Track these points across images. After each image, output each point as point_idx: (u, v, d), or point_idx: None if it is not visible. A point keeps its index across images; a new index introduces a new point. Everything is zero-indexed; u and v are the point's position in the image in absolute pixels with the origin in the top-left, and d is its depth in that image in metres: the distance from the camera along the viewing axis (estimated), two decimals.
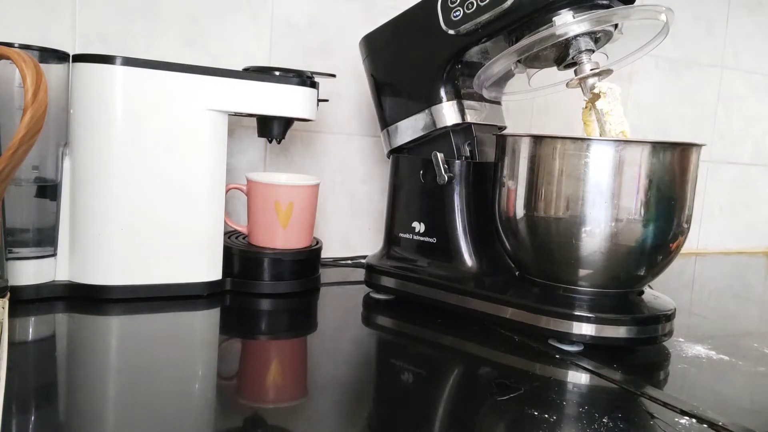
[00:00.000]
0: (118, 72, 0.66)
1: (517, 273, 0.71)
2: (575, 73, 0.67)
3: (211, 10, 0.88)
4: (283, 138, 0.81)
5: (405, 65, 0.77)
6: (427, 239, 0.74)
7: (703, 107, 1.36)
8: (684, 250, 0.68)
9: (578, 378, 0.57)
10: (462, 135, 0.75)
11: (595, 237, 0.62)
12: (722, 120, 1.39)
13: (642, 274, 0.65)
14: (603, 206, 0.61)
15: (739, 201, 1.42)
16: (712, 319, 0.83)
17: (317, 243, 0.82)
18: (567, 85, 0.69)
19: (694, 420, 0.48)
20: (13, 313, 0.58)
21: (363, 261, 0.84)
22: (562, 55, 0.67)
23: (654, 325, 0.63)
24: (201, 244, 0.72)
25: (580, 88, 0.68)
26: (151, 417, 0.44)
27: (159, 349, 0.58)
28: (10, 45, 0.57)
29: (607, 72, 0.66)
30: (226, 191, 0.75)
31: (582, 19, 0.63)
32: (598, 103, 0.66)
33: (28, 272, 0.65)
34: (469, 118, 0.74)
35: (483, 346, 0.64)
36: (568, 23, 0.63)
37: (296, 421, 0.47)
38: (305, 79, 0.76)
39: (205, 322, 0.70)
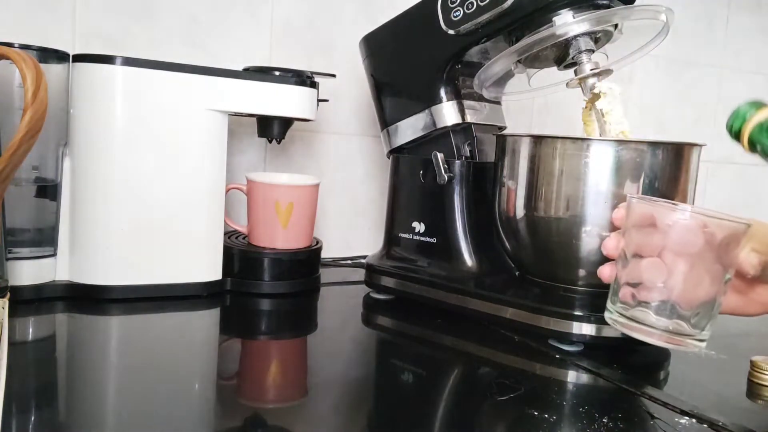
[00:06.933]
0: (118, 72, 0.66)
1: (517, 273, 0.71)
2: (575, 73, 0.67)
3: (211, 10, 0.88)
4: (283, 138, 0.81)
5: (405, 65, 0.77)
6: (427, 239, 0.74)
7: (703, 107, 1.36)
8: None
9: (578, 378, 0.57)
10: (462, 135, 0.75)
11: (595, 237, 0.62)
12: (722, 120, 1.39)
13: None
14: (603, 206, 0.61)
15: (739, 201, 1.42)
16: None
17: (317, 243, 0.82)
18: (567, 85, 0.69)
19: (694, 420, 0.48)
20: (13, 313, 0.58)
21: (363, 261, 0.84)
22: (562, 55, 0.67)
23: None
24: (201, 244, 0.72)
25: (580, 88, 0.68)
26: (151, 417, 0.44)
27: (159, 349, 0.58)
28: (10, 45, 0.57)
29: (607, 72, 0.66)
30: (226, 191, 0.75)
31: (582, 19, 0.63)
32: (598, 103, 0.66)
33: (28, 272, 0.65)
34: (469, 118, 0.74)
35: (483, 346, 0.64)
36: (568, 23, 0.63)
37: (296, 421, 0.47)
38: (305, 79, 0.76)
39: (205, 322, 0.70)
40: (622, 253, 0.50)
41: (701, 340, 0.48)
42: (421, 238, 0.75)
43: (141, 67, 0.67)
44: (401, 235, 0.77)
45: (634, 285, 0.49)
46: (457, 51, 0.72)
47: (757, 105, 0.47)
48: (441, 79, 0.74)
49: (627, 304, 0.49)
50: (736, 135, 0.48)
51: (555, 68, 0.70)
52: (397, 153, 0.79)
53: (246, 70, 0.78)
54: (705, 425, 0.47)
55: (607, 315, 0.52)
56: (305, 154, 0.97)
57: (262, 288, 0.76)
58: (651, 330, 0.48)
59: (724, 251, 0.45)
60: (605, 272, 0.53)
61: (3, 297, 0.59)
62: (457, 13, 0.69)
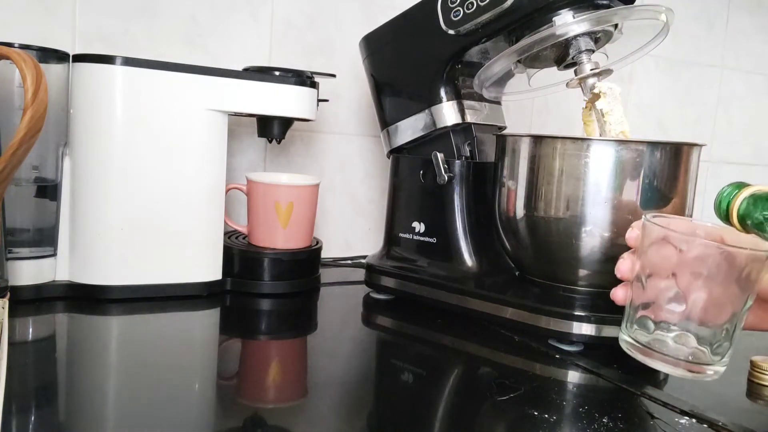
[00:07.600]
0: (118, 72, 0.66)
1: (517, 273, 0.71)
2: (575, 73, 0.67)
3: (211, 10, 0.88)
4: (283, 138, 0.81)
5: (405, 65, 0.77)
6: (427, 239, 0.74)
7: (703, 107, 1.36)
8: None
9: (578, 378, 0.57)
10: (462, 135, 0.75)
11: (595, 237, 0.62)
12: (722, 120, 1.39)
13: None
14: (603, 206, 0.61)
15: None
16: None
17: (317, 243, 0.82)
18: (567, 85, 0.69)
19: (694, 420, 0.48)
20: (13, 313, 0.58)
21: (363, 261, 0.84)
22: (562, 55, 0.67)
23: None
24: (201, 244, 0.72)
25: (580, 88, 0.68)
26: (151, 417, 0.44)
27: (159, 349, 0.58)
28: (10, 45, 0.57)
29: (607, 72, 0.66)
30: (226, 191, 0.75)
31: (582, 19, 0.63)
32: (598, 103, 0.66)
33: (28, 272, 0.65)
34: (469, 118, 0.74)
35: (483, 346, 0.64)
36: (568, 23, 0.63)
37: (296, 421, 0.47)
38: (305, 79, 0.76)
39: (205, 322, 0.70)
40: (637, 276, 0.48)
41: (721, 367, 0.47)
42: (421, 238, 0.75)
43: (141, 67, 0.67)
44: (401, 235, 0.77)
45: (651, 309, 0.47)
46: (457, 51, 0.72)
47: (741, 185, 0.47)
48: (441, 79, 0.74)
49: (643, 330, 0.47)
50: (725, 215, 0.47)
51: (555, 68, 0.70)
52: (397, 153, 0.79)
53: (246, 70, 0.78)
54: (705, 425, 0.47)
55: (621, 340, 0.50)
56: (305, 154, 0.97)
57: (262, 288, 0.76)
58: (669, 358, 0.46)
59: (746, 276, 0.44)
60: (619, 295, 0.50)
61: (3, 297, 0.59)
62: (457, 13, 0.69)
